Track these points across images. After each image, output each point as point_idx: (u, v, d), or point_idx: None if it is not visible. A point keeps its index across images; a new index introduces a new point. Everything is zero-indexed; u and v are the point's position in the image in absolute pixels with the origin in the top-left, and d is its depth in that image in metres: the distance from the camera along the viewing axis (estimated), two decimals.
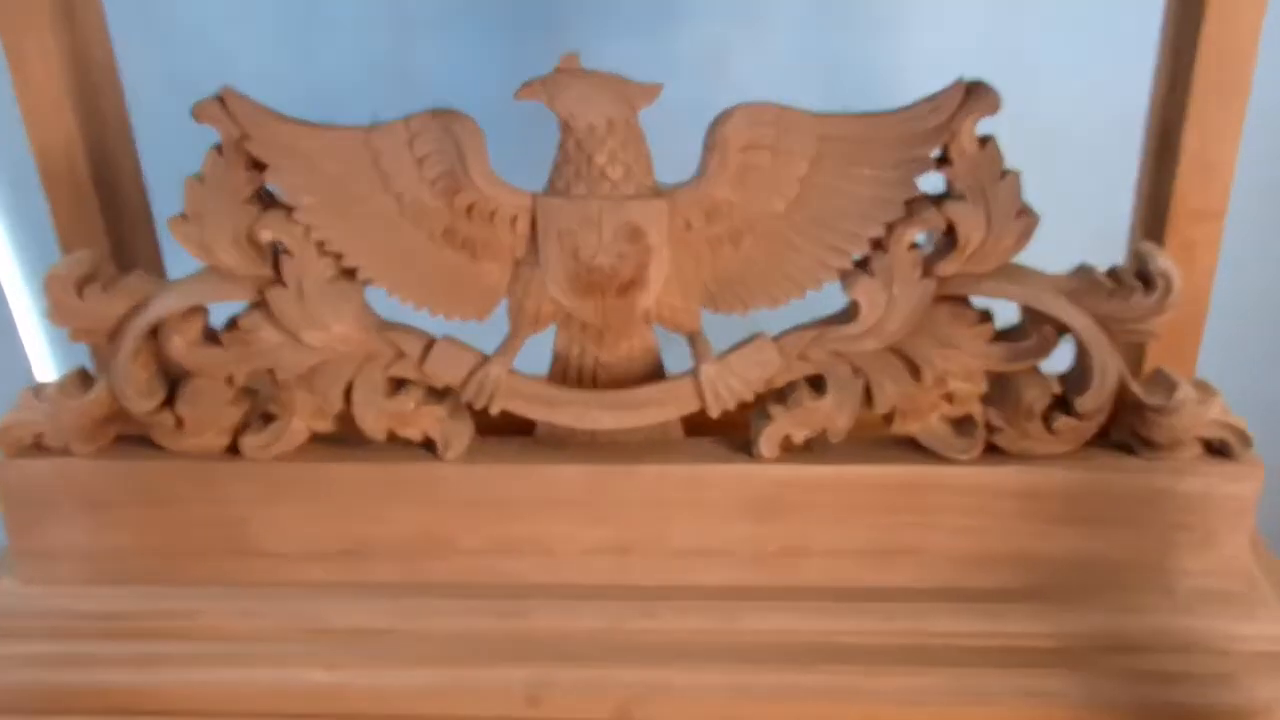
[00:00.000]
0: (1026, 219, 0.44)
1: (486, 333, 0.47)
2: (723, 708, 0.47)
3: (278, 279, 0.45)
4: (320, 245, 0.45)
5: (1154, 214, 0.52)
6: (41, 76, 0.49)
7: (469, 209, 0.45)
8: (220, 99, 0.43)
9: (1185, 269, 0.48)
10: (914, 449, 0.48)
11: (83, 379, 0.49)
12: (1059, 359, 0.47)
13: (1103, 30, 0.68)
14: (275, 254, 0.45)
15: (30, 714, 0.48)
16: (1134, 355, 0.51)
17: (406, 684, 0.48)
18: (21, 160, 0.51)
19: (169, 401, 0.48)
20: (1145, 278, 0.45)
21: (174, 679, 0.48)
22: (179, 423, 0.48)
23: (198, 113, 0.43)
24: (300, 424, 0.48)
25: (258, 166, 0.44)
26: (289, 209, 0.44)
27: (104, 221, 0.52)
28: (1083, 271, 0.46)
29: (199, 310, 0.47)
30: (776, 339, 0.47)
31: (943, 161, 0.43)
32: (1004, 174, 0.43)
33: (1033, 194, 0.44)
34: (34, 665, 0.48)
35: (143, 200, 0.55)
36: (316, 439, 0.49)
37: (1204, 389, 0.47)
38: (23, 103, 0.49)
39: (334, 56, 0.72)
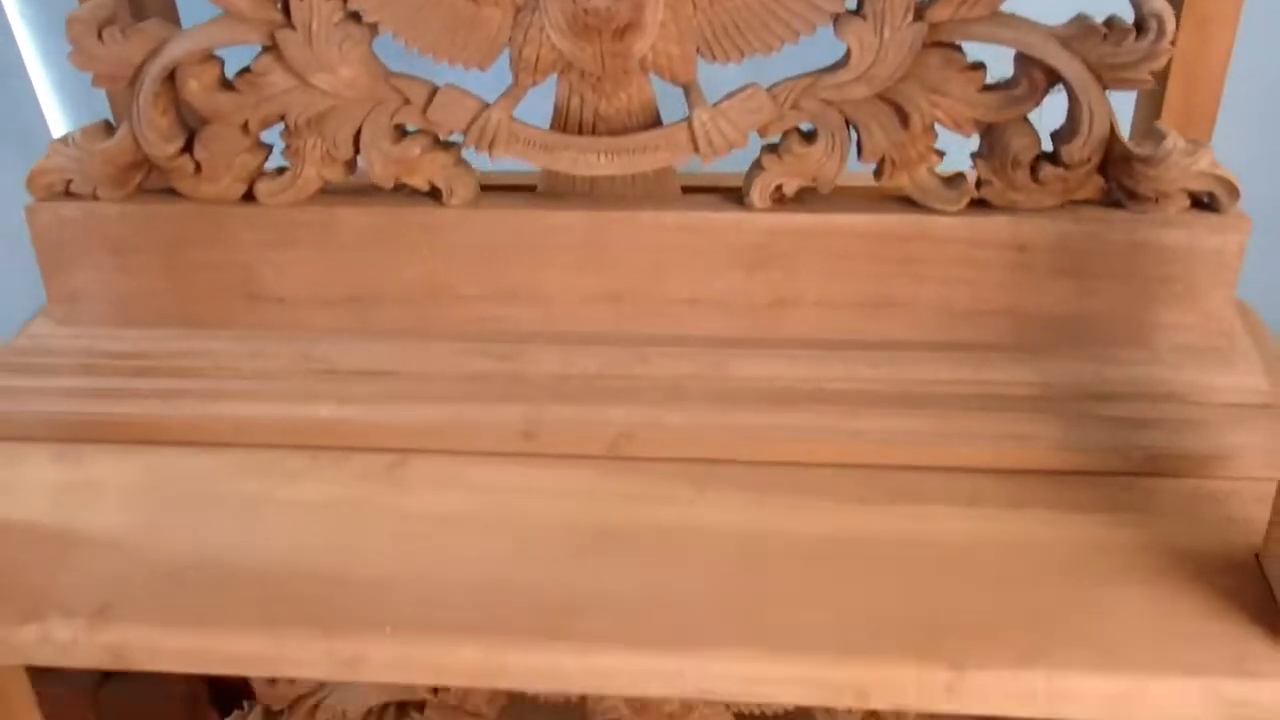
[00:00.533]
0: None
1: (490, 86, 0.49)
2: (708, 445, 0.49)
3: (288, 22, 0.47)
4: None
5: None
6: None
7: None
8: None
9: (1200, 45, 0.48)
10: (904, 202, 0.49)
11: (106, 128, 0.51)
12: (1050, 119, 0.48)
13: None
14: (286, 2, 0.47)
15: (62, 441, 0.51)
16: None
17: (409, 420, 0.50)
18: None
19: (188, 148, 0.50)
20: (1139, 23, 0.45)
21: (192, 412, 0.51)
22: (197, 168, 0.50)
23: None
24: (312, 171, 0.50)
25: None
26: None
27: None
28: (1078, 19, 0.46)
29: (214, 59, 0.49)
30: (769, 88, 0.48)
31: None
32: None
33: None
34: (66, 397, 0.52)
35: None
36: (327, 188, 0.51)
37: (1194, 142, 0.47)
38: None
39: None
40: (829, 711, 0.61)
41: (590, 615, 0.43)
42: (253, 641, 0.44)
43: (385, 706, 0.65)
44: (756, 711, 0.62)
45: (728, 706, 0.63)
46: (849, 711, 0.60)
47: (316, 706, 0.64)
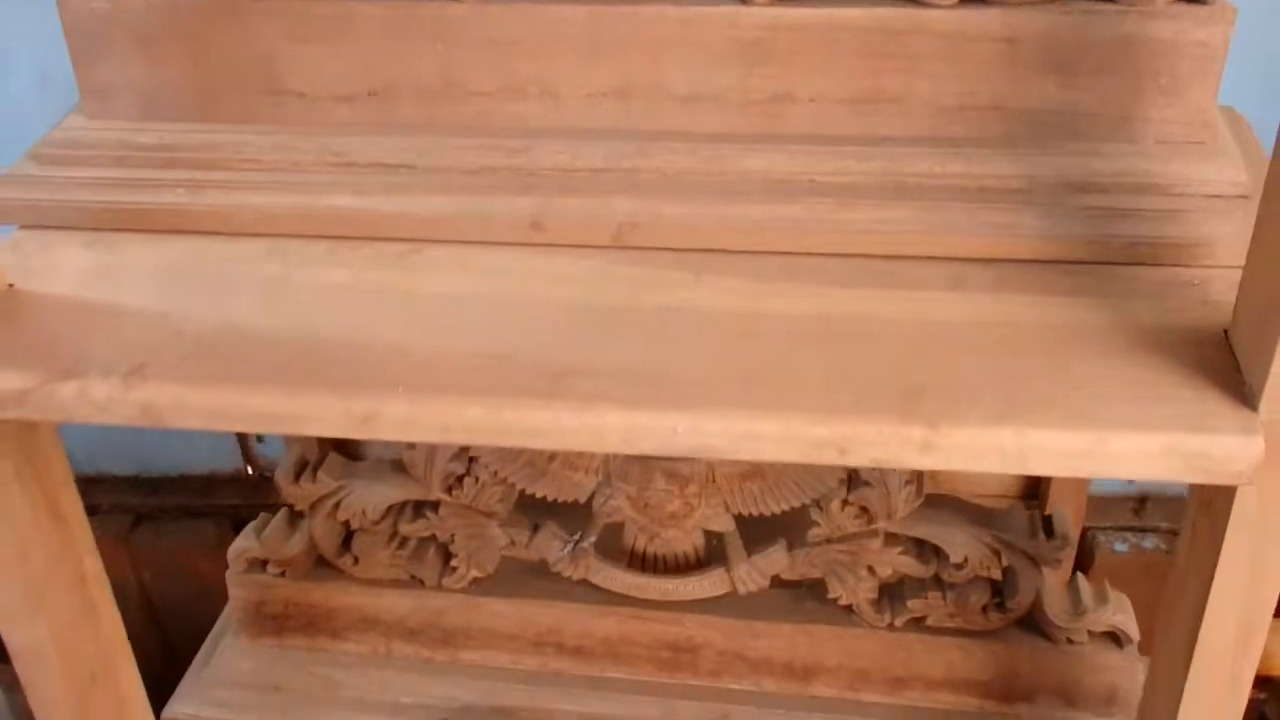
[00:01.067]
0: None
1: None
2: (707, 234, 0.52)
3: None
4: None
5: None
6: None
7: None
8: None
9: None
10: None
11: None
12: None
13: None
14: None
15: (93, 229, 0.54)
16: None
17: (424, 210, 0.53)
18: None
19: None
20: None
21: (216, 202, 0.54)
22: None
23: None
24: None
25: None
26: None
27: None
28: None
29: None
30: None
31: None
32: None
33: None
34: (98, 187, 0.55)
35: None
36: None
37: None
38: None
39: None
40: (821, 506, 0.64)
41: (591, 380, 0.46)
42: (275, 399, 0.47)
43: (402, 505, 0.69)
44: (754, 512, 0.66)
45: (727, 508, 0.66)
46: (841, 506, 0.64)
47: (337, 505, 0.68)
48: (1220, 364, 0.45)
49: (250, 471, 1.16)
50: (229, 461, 1.13)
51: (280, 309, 0.50)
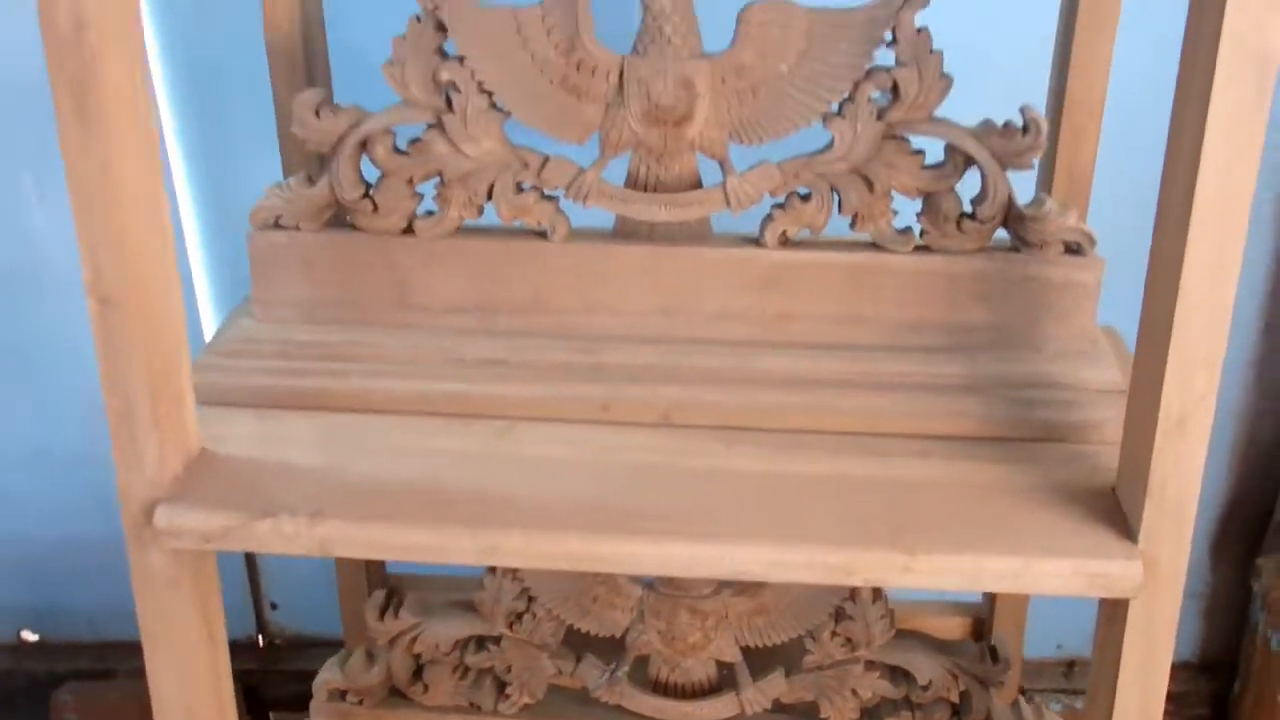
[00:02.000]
0: (946, 81, 0.66)
1: (580, 157, 0.70)
2: (735, 415, 0.69)
3: (449, 108, 0.68)
4: (479, 85, 0.67)
5: (1055, 106, 0.74)
6: None
7: (579, 64, 0.67)
8: None
9: (1073, 147, 0.71)
10: (870, 246, 0.70)
11: (308, 179, 0.71)
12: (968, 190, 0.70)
13: None
14: (448, 93, 0.68)
15: (262, 406, 0.71)
16: None
17: (518, 395, 0.70)
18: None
19: (367, 194, 0.71)
20: (1024, 126, 0.67)
21: (358, 386, 0.70)
22: (374, 208, 0.70)
23: None
24: (455, 213, 0.70)
25: (442, 29, 0.67)
26: (461, 59, 0.67)
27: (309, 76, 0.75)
28: (986, 122, 0.68)
29: (390, 131, 0.70)
30: (778, 164, 0.69)
31: (892, 42, 0.66)
32: (932, 51, 0.66)
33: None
34: (266, 374, 0.71)
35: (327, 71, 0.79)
36: (464, 225, 0.71)
37: (1064, 205, 0.69)
38: None
39: None
40: (814, 637, 0.80)
41: (656, 521, 0.62)
42: (420, 535, 0.62)
43: (469, 639, 0.83)
44: (759, 644, 0.81)
45: (736, 640, 0.81)
46: (830, 635, 0.79)
47: (414, 640, 0.82)
48: (1110, 512, 0.63)
49: (262, 641, 1.27)
50: (242, 628, 1.24)
51: (413, 467, 0.66)
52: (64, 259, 1.04)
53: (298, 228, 0.71)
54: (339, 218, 0.72)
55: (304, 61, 0.75)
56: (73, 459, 1.12)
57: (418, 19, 0.67)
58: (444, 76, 0.67)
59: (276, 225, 0.71)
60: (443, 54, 0.68)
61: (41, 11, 0.53)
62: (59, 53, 0.54)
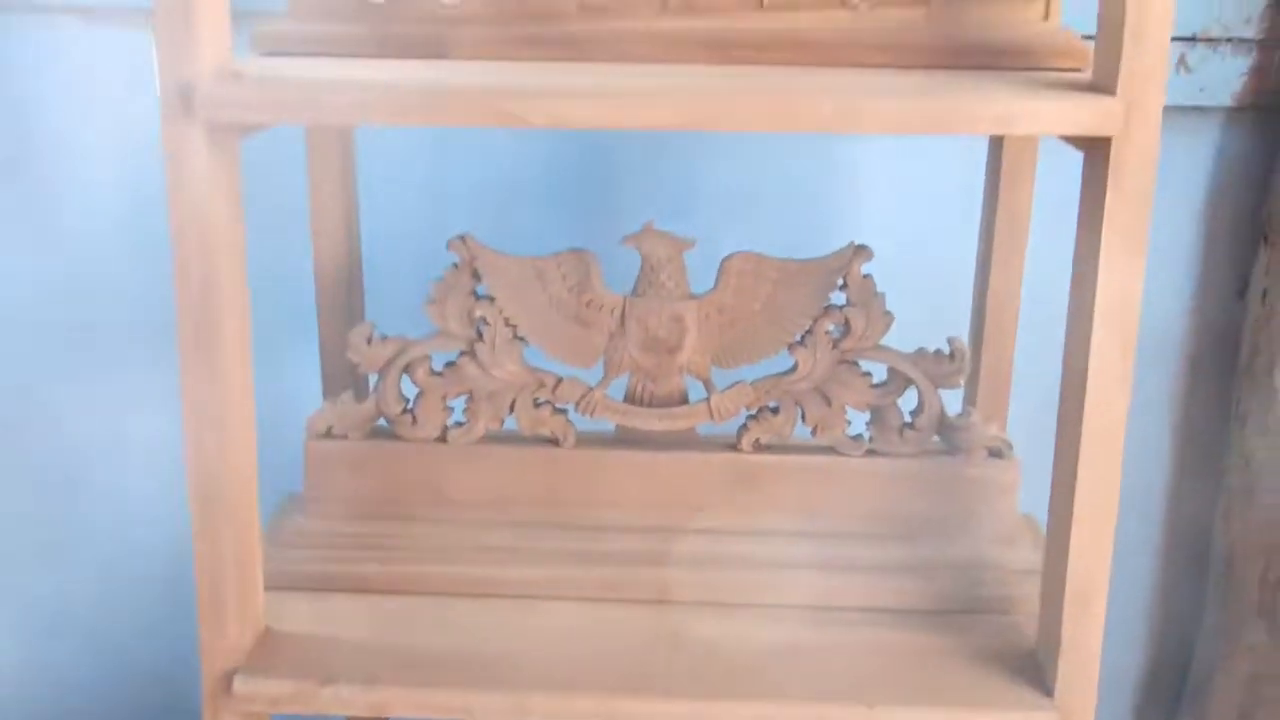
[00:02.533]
0: (888, 318, 0.82)
1: (588, 377, 0.84)
2: (722, 593, 0.82)
3: (480, 338, 0.82)
4: (505, 320, 0.82)
5: (977, 315, 0.91)
6: (330, 210, 0.87)
7: (588, 303, 0.82)
8: (462, 239, 0.81)
9: (995, 351, 0.87)
10: (828, 450, 0.85)
11: (356, 395, 0.85)
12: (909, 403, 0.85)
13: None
14: (478, 326, 0.83)
15: (314, 590, 0.82)
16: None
17: (535, 576, 0.82)
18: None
19: (406, 409, 0.84)
20: (952, 354, 0.83)
21: (398, 571, 0.82)
22: (413, 420, 0.84)
23: (451, 245, 0.81)
24: (481, 425, 0.84)
25: (475, 275, 0.82)
26: (491, 299, 0.82)
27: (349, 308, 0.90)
28: (920, 350, 0.84)
29: (428, 356, 0.84)
30: (752, 383, 0.84)
31: (844, 286, 0.82)
32: (876, 294, 0.82)
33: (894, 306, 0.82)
34: (319, 562, 0.83)
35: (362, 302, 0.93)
36: (488, 434, 0.85)
37: (988, 416, 0.84)
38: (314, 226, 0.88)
39: (461, 215, 1.10)
40: None
41: (657, 681, 0.75)
42: (459, 696, 0.74)
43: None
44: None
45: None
46: None
47: None
48: (1031, 672, 0.76)
49: None
50: None
51: (449, 639, 0.78)
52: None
53: (346, 436, 0.84)
54: (381, 428, 0.85)
55: (346, 294, 0.89)
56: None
57: (455, 266, 0.82)
58: (477, 313, 0.82)
59: (329, 434, 0.84)
60: (475, 295, 0.82)
61: (177, 271, 0.67)
62: (189, 301, 0.68)
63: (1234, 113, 1.04)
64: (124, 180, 1.06)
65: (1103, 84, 0.66)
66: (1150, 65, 0.64)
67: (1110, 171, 0.65)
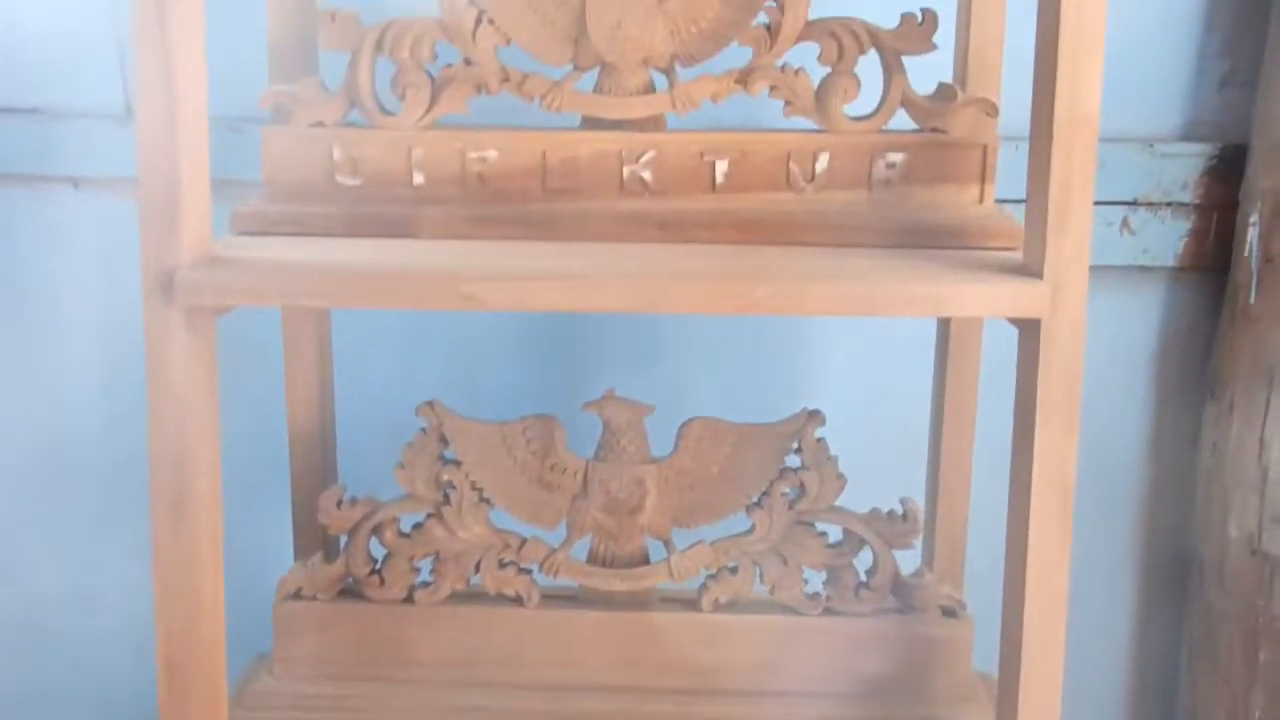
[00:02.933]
0: (841, 481, 0.85)
1: (551, 538, 0.87)
2: None
3: (446, 501, 0.85)
4: (472, 483, 0.85)
5: (932, 475, 0.93)
6: (305, 375, 0.90)
7: (552, 466, 0.85)
8: (430, 405, 0.84)
9: (949, 509, 0.89)
10: (786, 609, 0.87)
11: (326, 557, 0.87)
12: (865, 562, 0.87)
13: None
14: (446, 490, 0.85)
15: None
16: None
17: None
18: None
19: (373, 570, 0.86)
20: (905, 515, 0.85)
21: None
22: (381, 581, 0.86)
23: (420, 411, 0.84)
24: (447, 585, 0.86)
25: (443, 440, 0.85)
26: (458, 463, 0.85)
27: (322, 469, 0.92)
28: (873, 511, 0.86)
29: (396, 519, 0.86)
30: (710, 543, 0.86)
31: (798, 450, 0.85)
32: (829, 457, 0.85)
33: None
34: None
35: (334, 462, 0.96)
36: (454, 594, 0.87)
37: (941, 576, 0.86)
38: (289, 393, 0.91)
39: (433, 373, 1.13)
40: None
41: None
42: None
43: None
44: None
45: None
46: None
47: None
48: None
49: None
50: None
51: None
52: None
53: (315, 598, 0.86)
54: (350, 588, 0.87)
55: (320, 456, 0.92)
56: None
57: (423, 431, 0.85)
58: (444, 477, 0.85)
59: (298, 596, 0.86)
60: (443, 459, 0.85)
61: (152, 446, 0.70)
62: (162, 473, 0.70)
63: (1178, 272, 1.09)
64: (106, 341, 1.09)
65: (1032, 266, 0.70)
66: (1074, 251, 0.68)
67: (1041, 349, 0.69)
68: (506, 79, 0.79)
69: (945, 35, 0.80)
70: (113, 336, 1.06)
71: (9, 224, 1.10)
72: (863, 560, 0.86)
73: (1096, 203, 1.05)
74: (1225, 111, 1.05)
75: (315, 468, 0.92)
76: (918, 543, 0.86)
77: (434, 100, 0.79)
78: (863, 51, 0.77)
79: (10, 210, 1.10)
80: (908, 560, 0.87)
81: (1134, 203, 1.06)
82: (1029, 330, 0.70)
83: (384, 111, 0.80)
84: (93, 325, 1.10)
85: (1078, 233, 0.68)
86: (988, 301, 0.69)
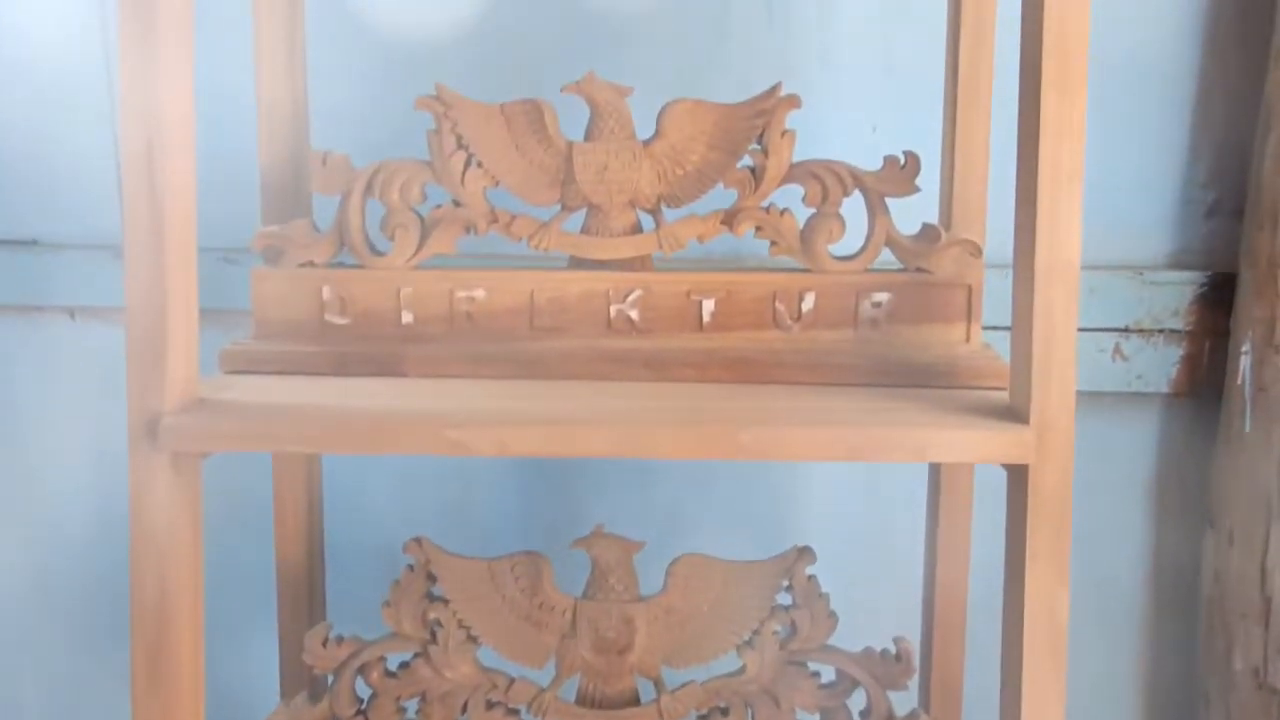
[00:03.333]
0: (833, 620, 0.83)
1: (538, 678, 0.85)
2: None
3: (433, 640, 0.84)
4: (459, 622, 0.84)
5: (927, 615, 0.92)
6: (294, 510, 0.90)
7: (540, 604, 0.84)
8: (418, 541, 0.83)
9: (944, 650, 0.88)
10: None
11: (311, 696, 0.85)
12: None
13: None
14: (433, 628, 0.84)
15: None
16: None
17: None
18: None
19: (359, 710, 0.85)
20: (898, 655, 0.84)
21: None
22: None
23: (407, 548, 0.83)
24: None
25: (430, 578, 0.84)
26: (445, 601, 0.84)
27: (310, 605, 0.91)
28: (868, 650, 0.85)
29: (383, 658, 0.85)
30: (702, 683, 0.85)
31: (789, 588, 0.84)
32: (820, 595, 0.83)
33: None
34: None
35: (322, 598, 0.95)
36: None
37: (937, 717, 0.84)
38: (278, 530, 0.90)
39: (424, 504, 1.13)
40: None
41: None
42: None
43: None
44: None
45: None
46: None
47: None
48: None
49: None
50: None
51: None
52: None
53: None
54: None
55: (308, 592, 0.91)
56: None
57: (410, 568, 0.84)
58: (431, 615, 0.84)
59: None
60: (430, 596, 0.84)
61: (133, 592, 0.70)
62: (142, 626, 0.69)
63: (1172, 399, 1.08)
64: (100, 470, 1.09)
65: (1019, 410, 0.69)
66: (1060, 396, 0.68)
67: (1030, 494, 0.69)
68: (495, 220, 0.80)
69: (929, 175, 0.81)
70: (106, 465, 1.05)
71: (6, 353, 1.11)
72: (856, 701, 0.85)
73: (1088, 329, 1.08)
74: (1213, 239, 1.06)
75: (303, 603, 0.91)
76: (912, 683, 0.84)
77: (423, 241, 0.80)
78: (847, 194, 0.78)
79: (7, 339, 1.11)
80: (903, 701, 0.86)
81: (1125, 329, 1.06)
82: (1017, 475, 0.69)
83: (374, 251, 0.81)
84: (87, 453, 1.10)
85: (1062, 378, 0.68)
86: (974, 448, 0.68)
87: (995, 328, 0.89)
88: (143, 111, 0.67)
